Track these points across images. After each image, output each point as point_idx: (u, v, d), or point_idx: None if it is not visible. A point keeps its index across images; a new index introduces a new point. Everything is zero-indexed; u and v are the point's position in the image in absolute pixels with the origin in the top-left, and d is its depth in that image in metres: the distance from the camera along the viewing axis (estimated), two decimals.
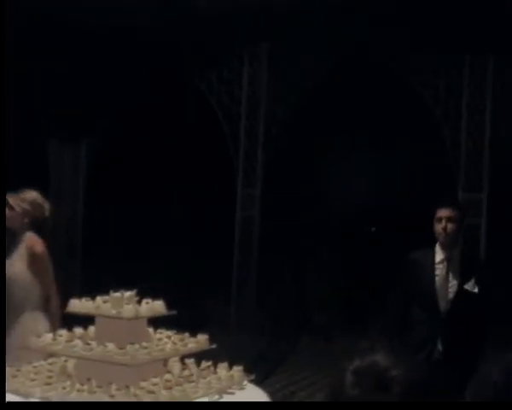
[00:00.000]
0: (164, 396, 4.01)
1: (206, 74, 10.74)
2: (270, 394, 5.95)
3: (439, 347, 5.54)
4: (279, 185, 11.82)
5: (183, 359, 4.81)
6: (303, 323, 12.47)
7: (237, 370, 4.91)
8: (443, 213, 5.54)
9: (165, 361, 4.64)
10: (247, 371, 5.04)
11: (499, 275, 10.36)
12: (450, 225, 5.51)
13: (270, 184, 11.59)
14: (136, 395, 3.90)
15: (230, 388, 4.76)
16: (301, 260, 12.97)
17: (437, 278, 5.57)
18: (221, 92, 10.61)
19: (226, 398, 4.61)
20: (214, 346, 4.85)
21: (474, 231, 8.57)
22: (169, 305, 4.70)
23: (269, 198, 11.59)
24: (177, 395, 4.11)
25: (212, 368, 4.80)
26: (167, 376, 4.39)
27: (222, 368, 4.85)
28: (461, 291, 5.52)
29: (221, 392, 4.60)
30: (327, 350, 11.55)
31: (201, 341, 4.78)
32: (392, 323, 5.91)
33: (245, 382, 4.93)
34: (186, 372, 4.62)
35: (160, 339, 4.53)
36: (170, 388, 4.12)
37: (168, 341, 4.55)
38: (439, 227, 5.53)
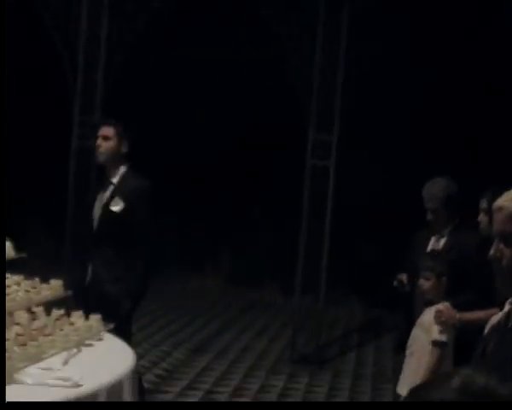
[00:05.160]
0: (18, 355, 3.41)
1: None
2: None
3: (90, 268, 5.63)
4: None
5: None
6: None
7: (95, 319, 4.39)
8: (102, 131, 5.62)
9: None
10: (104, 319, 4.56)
11: (346, 216, 10.45)
12: (105, 144, 5.57)
13: None
14: None
15: (88, 339, 4.23)
16: None
17: (96, 202, 5.73)
18: None
19: (85, 351, 4.08)
20: (70, 293, 4.29)
21: (323, 172, 8.45)
22: None
23: None
24: (32, 352, 3.52)
25: (66, 317, 4.23)
26: (17, 329, 3.77)
27: (77, 317, 4.30)
28: (105, 211, 5.65)
29: (79, 345, 4.06)
30: None
31: (56, 287, 4.19)
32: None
33: (102, 332, 4.43)
34: (37, 323, 4.02)
35: (7, 286, 3.89)
36: (24, 344, 3.52)
37: (18, 288, 3.92)
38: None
